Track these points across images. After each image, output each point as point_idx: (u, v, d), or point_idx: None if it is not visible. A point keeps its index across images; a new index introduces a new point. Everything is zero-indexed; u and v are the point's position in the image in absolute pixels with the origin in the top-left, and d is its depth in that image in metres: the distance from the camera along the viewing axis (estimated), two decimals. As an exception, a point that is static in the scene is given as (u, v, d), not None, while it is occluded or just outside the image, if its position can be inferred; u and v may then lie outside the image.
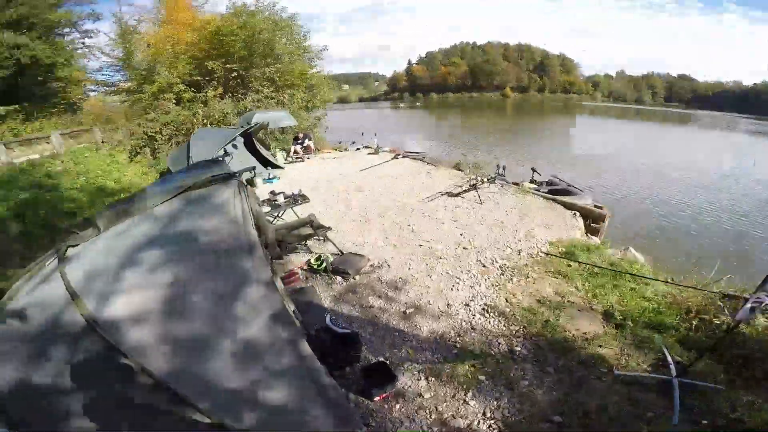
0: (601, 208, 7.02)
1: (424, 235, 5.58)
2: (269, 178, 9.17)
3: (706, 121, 51.59)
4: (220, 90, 13.65)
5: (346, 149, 12.29)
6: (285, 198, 5.35)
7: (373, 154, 11.67)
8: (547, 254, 5.04)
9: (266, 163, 10.49)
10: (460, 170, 9.27)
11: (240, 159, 9.18)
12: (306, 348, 2.03)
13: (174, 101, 12.98)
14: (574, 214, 6.60)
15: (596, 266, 4.47)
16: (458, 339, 3.38)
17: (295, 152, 11.83)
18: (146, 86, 13.55)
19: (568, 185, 9.45)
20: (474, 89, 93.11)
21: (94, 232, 2.53)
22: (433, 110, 60.16)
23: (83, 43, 17.83)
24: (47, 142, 10.81)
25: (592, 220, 6.68)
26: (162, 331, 1.85)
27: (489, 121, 39.79)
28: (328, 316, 3.13)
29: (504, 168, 7.87)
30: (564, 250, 5.10)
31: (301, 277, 4.53)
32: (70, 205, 7.54)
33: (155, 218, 2.47)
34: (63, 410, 1.72)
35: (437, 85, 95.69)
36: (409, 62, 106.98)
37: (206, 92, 13.21)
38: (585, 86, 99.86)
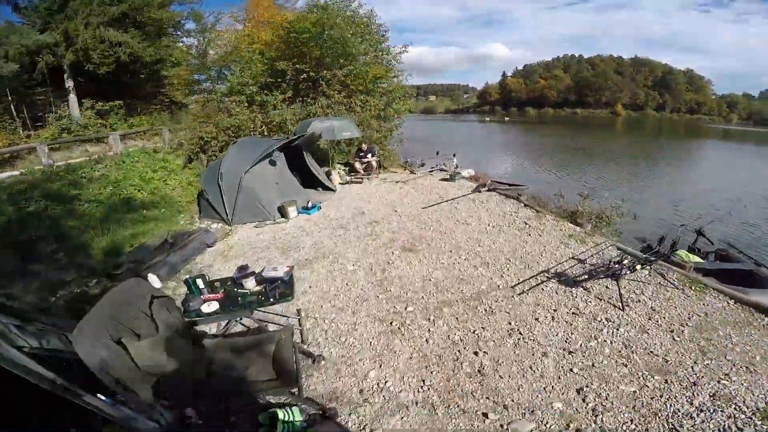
0: None
1: (503, 388, 2.69)
2: (307, 208, 6.98)
3: None
4: (289, 93, 12.09)
5: (413, 172, 9.54)
6: (257, 283, 2.86)
7: (447, 180, 8.89)
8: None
9: (316, 184, 8.42)
10: (577, 224, 6.01)
11: (277, 180, 7.18)
12: None
13: (246, 104, 11.75)
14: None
15: None
16: None
17: (354, 171, 9.67)
18: (218, 86, 12.64)
19: (757, 265, 5.61)
20: (578, 105, 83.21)
21: None
22: (530, 126, 53.57)
23: (183, 42, 18.06)
24: (106, 142, 10.13)
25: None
26: None
27: (604, 142, 32.63)
28: None
29: (674, 244, 4.47)
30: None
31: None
32: (72, 223, 6.22)
33: None
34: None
35: (534, 99, 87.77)
36: (504, 74, 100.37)
37: (275, 95, 11.75)
38: (718, 106, 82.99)
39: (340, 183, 9.08)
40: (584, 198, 7.24)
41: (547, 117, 75.64)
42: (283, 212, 6.66)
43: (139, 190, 8.17)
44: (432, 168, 10.20)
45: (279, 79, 12.36)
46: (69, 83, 16.27)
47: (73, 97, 16.42)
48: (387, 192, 8.20)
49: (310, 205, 6.93)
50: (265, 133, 10.25)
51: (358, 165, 9.58)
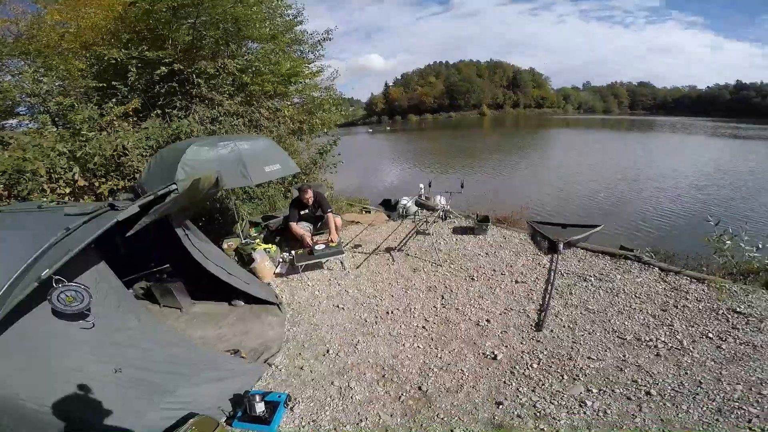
0: None
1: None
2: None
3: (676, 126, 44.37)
4: (136, 103, 6.49)
5: (375, 221, 5.00)
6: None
7: (471, 232, 4.89)
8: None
9: (236, 293, 3.49)
10: None
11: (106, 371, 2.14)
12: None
13: (51, 127, 5.69)
14: None
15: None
16: None
17: (294, 239, 4.77)
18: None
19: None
20: (452, 109, 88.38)
21: None
22: (414, 134, 48.95)
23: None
24: None
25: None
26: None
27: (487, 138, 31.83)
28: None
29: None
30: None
31: None
32: None
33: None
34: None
35: (414, 106, 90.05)
36: (386, 84, 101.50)
37: (110, 108, 6.03)
38: (556, 99, 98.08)
39: (276, 274, 4.28)
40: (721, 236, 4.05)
41: (427, 123, 77.44)
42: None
43: None
44: (409, 207, 5.98)
45: (115, 82, 6.64)
46: None
47: None
48: (405, 293, 3.71)
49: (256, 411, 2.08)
50: (78, 184, 4.68)
51: (303, 233, 4.67)
